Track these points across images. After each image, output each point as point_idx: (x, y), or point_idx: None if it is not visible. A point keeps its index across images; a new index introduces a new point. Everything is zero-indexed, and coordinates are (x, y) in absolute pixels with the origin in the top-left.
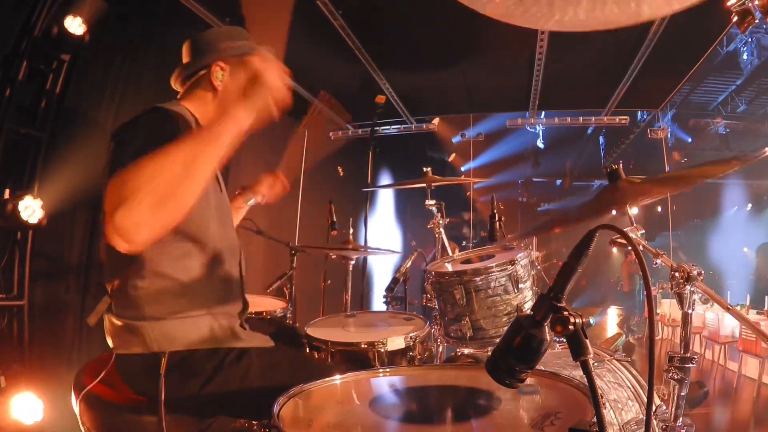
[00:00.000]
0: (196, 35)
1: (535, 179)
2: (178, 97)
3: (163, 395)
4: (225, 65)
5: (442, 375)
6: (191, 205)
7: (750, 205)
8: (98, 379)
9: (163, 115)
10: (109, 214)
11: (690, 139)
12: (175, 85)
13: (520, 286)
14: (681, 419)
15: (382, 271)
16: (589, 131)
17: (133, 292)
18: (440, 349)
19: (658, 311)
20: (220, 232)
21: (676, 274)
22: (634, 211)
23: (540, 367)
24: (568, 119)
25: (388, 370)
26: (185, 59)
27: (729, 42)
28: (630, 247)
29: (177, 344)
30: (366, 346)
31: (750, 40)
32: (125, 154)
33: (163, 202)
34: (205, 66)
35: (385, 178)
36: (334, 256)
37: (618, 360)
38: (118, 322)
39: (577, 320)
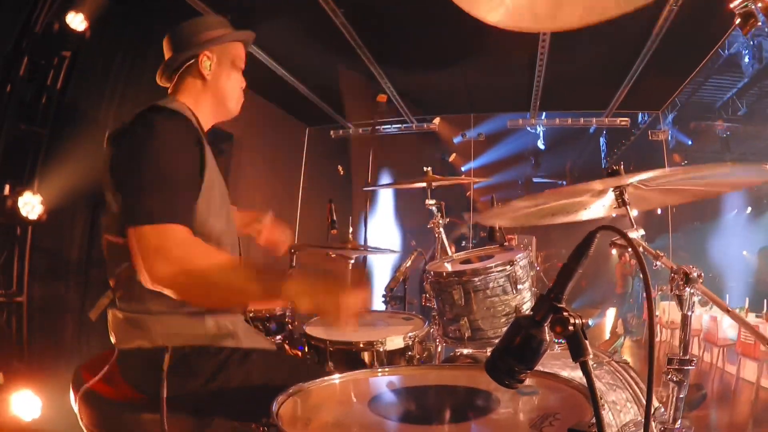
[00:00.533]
0: (175, 29)
1: (535, 180)
2: (170, 91)
3: (165, 392)
4: (211, 54)
5: (441, 375)
6: None
7: (750, 209)
8: (98, 376)
9: (170, 127)
10: (148, 274)
11: (691, 142)
12: (161, 81)
13: (519, 287)
14: (679, 421)
15: (381, 271)
16: (590, 132)
17: (137, 286)
18: (439, 349)
19: (657, 313)
20: (223, 228)
21: (676, 276)
22: (634, 212)
23: (539, 367)
24: (569, 120)
25: (386, 369)
26: (168, 54)
27: (731, 45)
28: (630, 249)
29: (179, 339)
30: (365, 345)
31: (752, 43)
32: (151, 200)
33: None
34: (191, 57)
35: (385, 178)
36: (333, 256)
37: (617, 362)
38: (121, 317)
39: (577, 321)
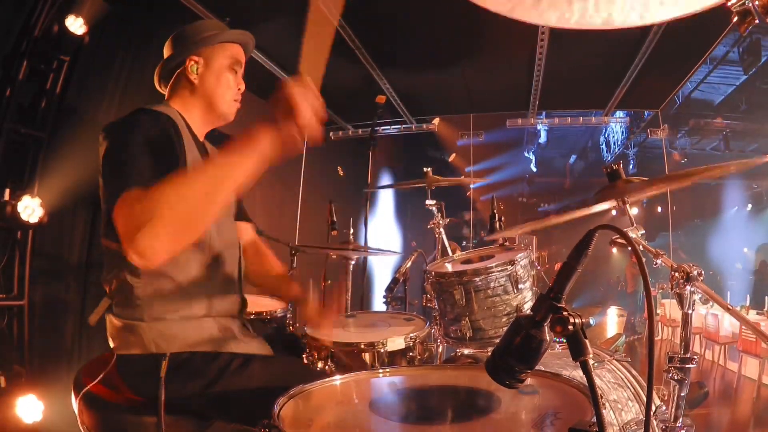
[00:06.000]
0: (174, 34)
1: (535, 179)
2: (166, 97)
3: (163, 398)
4: (198, 58)
5: (442, 375)
6: (209, 225)
7: (750, 206)
8: (98, 379)
9: (155, 118)
10: (127, 236)
11: (690, 139)
12: (159, 87)
13: (520, 286)
14: (681, 420)
15: (382, 272)
16: (590, 131)
17: (131, 292)
18: (440, 350)
19: (658, 312)
20: (217, 231)
21: (676, 274)
22: (634, 211)
23: (540, 367)
24: (569, 119)
25: (387, 370)
26: (164, 58)
27: (729, 42)
28: (630, 248)
29: (176, 345)
30: (366, 346)
31: (750, 40)
32: (133, 170)
33: (183, 228)
34: (180, 62)
35: (386, 179)
36: (334, 257)
37: (618, 360)
38: (118, 323)
39: (577, 320)
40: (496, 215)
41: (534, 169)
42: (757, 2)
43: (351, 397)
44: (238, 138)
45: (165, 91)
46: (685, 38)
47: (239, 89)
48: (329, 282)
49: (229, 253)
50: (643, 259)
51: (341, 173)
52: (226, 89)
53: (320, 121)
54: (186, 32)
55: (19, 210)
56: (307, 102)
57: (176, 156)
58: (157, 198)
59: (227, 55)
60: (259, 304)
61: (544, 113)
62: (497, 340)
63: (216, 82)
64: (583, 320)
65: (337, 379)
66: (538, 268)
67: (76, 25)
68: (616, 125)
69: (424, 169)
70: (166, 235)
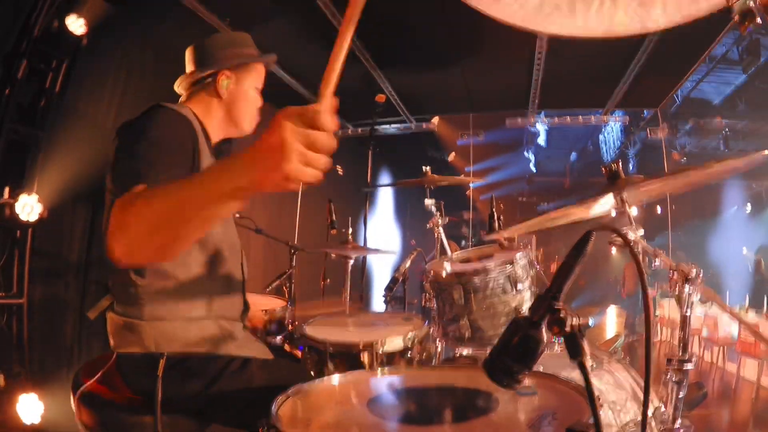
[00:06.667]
0: (199, 42)
1: (535, 178)
2: (182, 99)
3: (159, 397)
4: (230, 74)
5: (440, 375)
6: (187, 246)
7: (749, 206)
8: (96, 377)
9: (170, 118)
10: (109, 233)
11: (689, 139)
12: (179, 90)
13: (519, 286)
14: (679, 421)
15: (381, 271)
16: (589, 131)
17: (133, 290)
18: (438, 350)
19: (657, 312)
20: (221, 232)
21: (675, 274)
22: (633, 211)
23: (539, 367)
24: (568, 119)
25: (386, 370)
26: (189, 67)
27: (729, 42)
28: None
29: (176, 345)
30: (364, 346)
31: (750, 39)
32: (132, 171)
33: (151, 240)
34: (210, 75)
35: (385, 178)
36: (333, 256)
37: (617, 361)
38: (118, 321)
39: (575, 320)
40: (495, 214)
41: (533, 169)
42: (758, 2)
43: (349, 397)
44: (216, 164)
45: (182, 92)
46: (684, 37)
47: (258, 105)
48: (328, 281)
49: (232, 254)
50: (641, 260)
51: (341, 172)
52: (251, 107)
53: (319, 167)
54: (218, 44)
55: (17, 209)
56: (298, 147)
57: (186, 159)
58: (137, 203)
59: (255, 76)
60: (259, 303)
61: (543, 113)
62: (496, 340)
63: (244, 99)
64: (582, 320)
65: (336, 379)
66: (537, 268)
67: (76, 25)
68: (615, 124)
69: (424, 169)
70: (135, 241)
